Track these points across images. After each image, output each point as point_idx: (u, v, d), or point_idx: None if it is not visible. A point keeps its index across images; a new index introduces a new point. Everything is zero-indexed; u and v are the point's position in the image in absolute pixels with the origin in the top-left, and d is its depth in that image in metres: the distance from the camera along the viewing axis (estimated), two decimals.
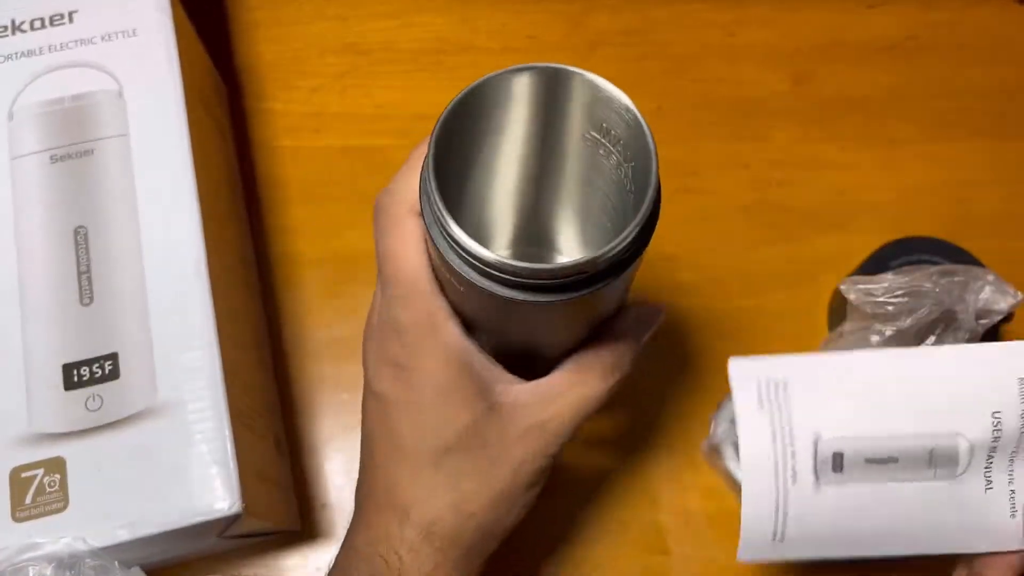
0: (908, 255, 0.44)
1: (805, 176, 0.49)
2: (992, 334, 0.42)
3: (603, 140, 0.28)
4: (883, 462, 0.30)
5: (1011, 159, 0.50)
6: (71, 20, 0.39)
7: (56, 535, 0.30)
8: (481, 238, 0.25)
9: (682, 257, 0.47)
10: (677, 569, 0.42)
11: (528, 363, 0.38)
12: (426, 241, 0.28)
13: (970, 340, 0.37)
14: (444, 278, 0.28)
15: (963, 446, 0.30)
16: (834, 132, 0.50)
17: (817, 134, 0.50)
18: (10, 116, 0.37)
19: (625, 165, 0.28)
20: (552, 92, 0.27)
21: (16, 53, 0.38)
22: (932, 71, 0.52)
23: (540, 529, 0.42)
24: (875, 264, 0.44)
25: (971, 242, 0.44)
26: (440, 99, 0.26)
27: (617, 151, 0.28)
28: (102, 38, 0.39)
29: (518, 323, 0.29)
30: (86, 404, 0.32)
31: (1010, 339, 0.45)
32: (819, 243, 0.48)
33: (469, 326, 0.31)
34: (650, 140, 0.25)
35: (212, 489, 0.31)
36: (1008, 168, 0.50)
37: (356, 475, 0.42)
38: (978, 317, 0.37)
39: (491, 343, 0.35)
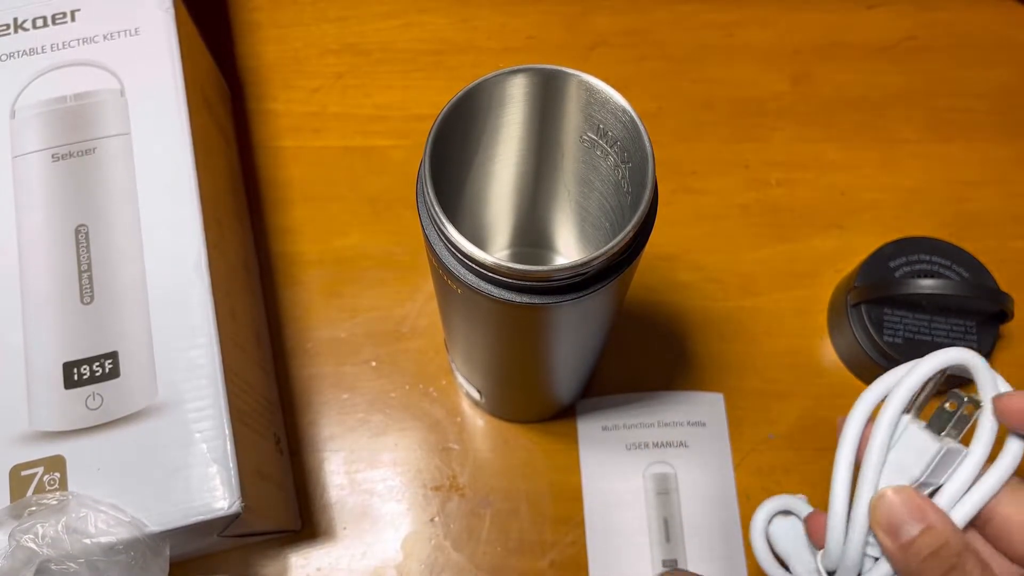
0: (908, 255, 0.44)
1: (805, 176, 0.49)
2: (993, 331, 0.42)
3: (600, 141, 0.28)
4: None
5: (1011, 159, 0.50)
6: (73, 19, 0.39)
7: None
8: (479, 240, 0.25)
9: (682, 257, 0.47)
10: None
11: (524, 387, 0.38)
12: (425, 246, 0.28)
13: None
14: (443, 285, 0.28)
15: None
16: (834, 132, 0.50)
17: (817, 134, 0.50)
18: (12, 114, 0.37)
19: (622, 166, 0.28)
20: (548, 94, 0.27)
21: (18, 51, 0.38)
22: (931, 71, 0.52)
23: None
24: (875, 264, 0.44)
25: (971, 242, 0.45)
26: (440, 99, 0.26)
27: (614, 152, 0.28)
28: (104, 37, 0.39)
29: (516, 332, 0.29)
30: (86, 403, 0.32)
31: (1010, 338, 0.45)
32: (819, 243, 0.48)
33: (467, 344, 0.30)
34: (647, 141, 0.25)
35: (212, 488, 0.31)
36: (1008, 168, 0.50)
37: (356, 474, 0.43)
38: None
39: (487, 367, 0.35)
